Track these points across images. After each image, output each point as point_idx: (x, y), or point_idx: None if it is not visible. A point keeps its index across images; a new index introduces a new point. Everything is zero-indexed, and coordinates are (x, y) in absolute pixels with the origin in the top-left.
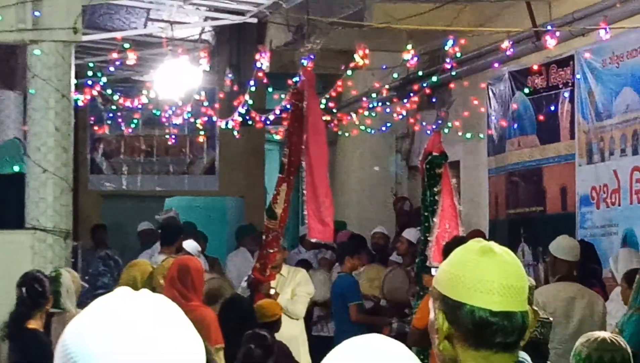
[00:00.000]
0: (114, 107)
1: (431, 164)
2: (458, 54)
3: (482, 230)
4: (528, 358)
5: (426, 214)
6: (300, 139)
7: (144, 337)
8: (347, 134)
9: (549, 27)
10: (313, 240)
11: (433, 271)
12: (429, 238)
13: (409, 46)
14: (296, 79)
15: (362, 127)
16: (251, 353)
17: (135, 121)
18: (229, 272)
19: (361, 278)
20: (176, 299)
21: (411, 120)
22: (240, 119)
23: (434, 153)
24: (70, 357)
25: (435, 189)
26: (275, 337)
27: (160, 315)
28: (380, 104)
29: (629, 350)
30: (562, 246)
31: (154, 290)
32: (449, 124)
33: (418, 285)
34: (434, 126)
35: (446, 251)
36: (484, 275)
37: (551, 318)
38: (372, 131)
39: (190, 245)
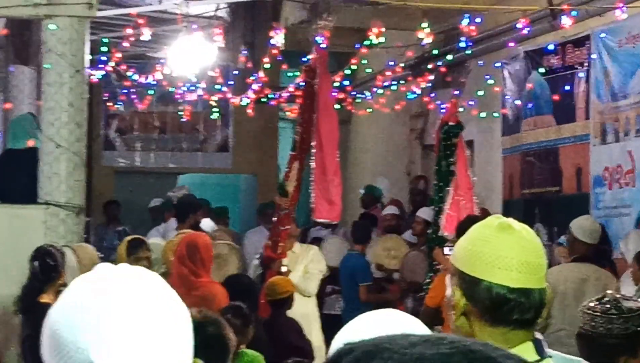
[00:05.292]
0: (128, 83)
1: (447, 134)
2: (473, 33)
3: (496, 209)
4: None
5: (441, 184)
6: (312, 117)
7: (129, 311)
8: (360, 113)
9: (565, 7)
10: (319, 221)
11: (446, 250)
12: (443, 207)
13: (424, 25)
14: (309, 57)
15: (377, 106)
16: (230, 324)
17: (149, 97)
18: (246, 249)
19: (378, 246)
20: (186, 276)
21: (425, 99)
22: (254, 96)
23: (450, 123)
24: (55, 328)
25: (451, 159)
26: (284, 312)
27: (143, 289)
28: (395, 82)
29: None
30: (583, 228)
31: (149, 266)
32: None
33: (429, 258)
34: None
35: (459, 230)
36: (502, 251)
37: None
38: (387, 110)
39: (206, 224)
